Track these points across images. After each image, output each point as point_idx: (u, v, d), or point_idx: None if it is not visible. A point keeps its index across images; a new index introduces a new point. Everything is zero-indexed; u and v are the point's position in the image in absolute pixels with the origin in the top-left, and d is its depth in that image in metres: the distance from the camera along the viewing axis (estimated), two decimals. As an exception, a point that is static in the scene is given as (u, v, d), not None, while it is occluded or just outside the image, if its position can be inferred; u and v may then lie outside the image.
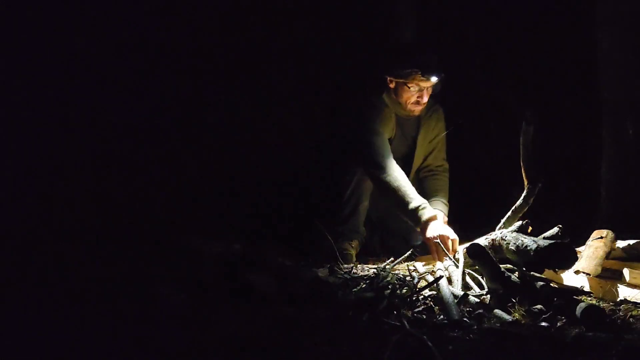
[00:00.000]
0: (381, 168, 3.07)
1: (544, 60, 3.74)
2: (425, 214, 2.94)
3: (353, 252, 3.26)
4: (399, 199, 3.00)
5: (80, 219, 3.21)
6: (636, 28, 3.00)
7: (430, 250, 2.92)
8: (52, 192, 3.36)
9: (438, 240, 2.82)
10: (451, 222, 3.12)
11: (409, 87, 3.12)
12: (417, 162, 3.45)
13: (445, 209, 3.33)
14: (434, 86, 3.17)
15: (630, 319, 2.11)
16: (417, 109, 3.21)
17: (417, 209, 2.95)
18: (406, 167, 3.36)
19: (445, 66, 3.15)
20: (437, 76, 3.08)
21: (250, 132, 4.01)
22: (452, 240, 2.84)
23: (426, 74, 3.05)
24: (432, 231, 2.88)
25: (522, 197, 2.68)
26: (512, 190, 2.81)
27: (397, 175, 3.05)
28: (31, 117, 3.43)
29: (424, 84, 3.10)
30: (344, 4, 4.03)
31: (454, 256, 2.75)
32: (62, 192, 3.37)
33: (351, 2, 4.04)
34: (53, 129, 3.47)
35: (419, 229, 2.98)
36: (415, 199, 2.98)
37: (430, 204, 3.07)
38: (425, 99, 3.16)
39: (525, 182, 2.68)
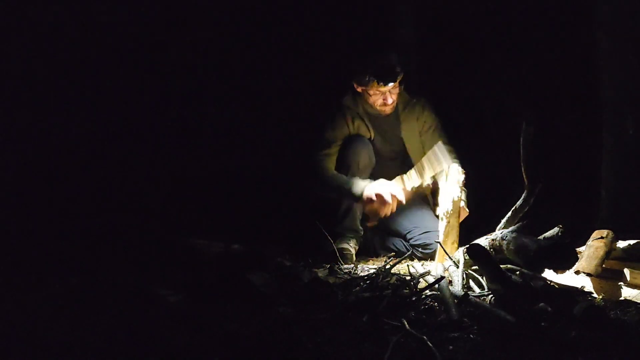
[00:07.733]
0: (320, 171, 3.23)
1: (543, 60, 3.73)
2: (358, 186, 3.11)
3: (353, 252, 3.26)
4: (340, 189, 3.17)
5: (79, 219, 3.21)
6: (636, 28, 2.99)
7: (374, 212, 3.11)
8: (52, 192, 3.36)
9: (373, 196, 3.04)
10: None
11: (371, 94, 3.25)
12: (416, 159, 3.44)
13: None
14: (400, 84, 3.27)
15: (631, 319, 2.11)
16: (387, 109, 3.32)
17: (351, 186, 3.13)
18: (405, 165, 3.37)
19: (408, 64, 3.40)
20: (392, 81, 3.20)
21: (250, 132, 4.01)
22: (390, 193, 3.03)
23: (381, 82, 3.18)
24: (368, 192, 3.08)
25: (522, 197, 2.68)
26: (512, 190, 2.81)
27: (333, 172, 3.23)
28: (31, 116, 3.43)
29: (383, 89, 3.22)
30: (344, 4, 4.03)
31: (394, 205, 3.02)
32: (62, 192, 3.38)
33: (352, 2, 4.04)
34: (52, 128, 3.47)
35: (363, 204, 3.14)
36: (349, 181, 3.15)
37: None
38: (390, 100, 3.27)
39: (526, 182, 2.68)
